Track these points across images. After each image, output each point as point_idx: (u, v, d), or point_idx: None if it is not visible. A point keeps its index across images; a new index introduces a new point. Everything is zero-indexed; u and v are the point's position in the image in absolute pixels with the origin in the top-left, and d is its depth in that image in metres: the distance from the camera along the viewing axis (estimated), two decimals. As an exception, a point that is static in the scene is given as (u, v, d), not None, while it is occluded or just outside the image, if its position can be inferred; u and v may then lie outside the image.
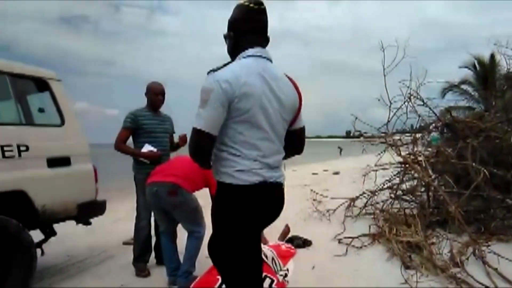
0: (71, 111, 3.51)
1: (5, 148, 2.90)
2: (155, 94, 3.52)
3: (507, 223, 4.04)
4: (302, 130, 1.81)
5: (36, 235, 3.26)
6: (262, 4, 1.63)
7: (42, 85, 3.43)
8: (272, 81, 1.57)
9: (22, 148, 3.01)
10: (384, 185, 5.44)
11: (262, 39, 1.66)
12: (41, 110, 3.43)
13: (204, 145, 1.52)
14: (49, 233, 3.49)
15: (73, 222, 3.47)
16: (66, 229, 3.73)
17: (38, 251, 3.26)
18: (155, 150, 3.40)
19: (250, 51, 1.61)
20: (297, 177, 11.87)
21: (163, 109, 3.66)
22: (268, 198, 1.61)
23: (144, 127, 3.47)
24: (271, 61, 1.64)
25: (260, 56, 1.60)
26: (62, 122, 3.43)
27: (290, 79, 1.71)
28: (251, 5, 1.61)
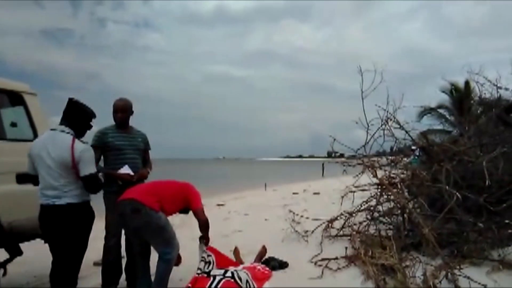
0: (45, 125, 3.43)
1: (-28, 163, 2.81)
2: (115, 111, 3.44)
3: (479, 247, 4.10)
4: None
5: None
6: None
7: (16, 98, 3.37)
8: None
9: (-10, 163, 2.92)
10: (361, 206, 5.48)
11: None
12: (13, 125, 3.35)
13: None
14: (15, 252, 3.34)
15: (41, 241, 3.34)
16: (33, 249, 3.58)
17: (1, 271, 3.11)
18: (132, 173, 3.31)
19: None
20: (277, 197, 11.87)
21: (138, 125, 3.61)
22: None
23: (110, 145, 3.38)
24: None
25: None
26: (35, 137, 3.35)
27: None
28: None
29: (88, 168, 2.64)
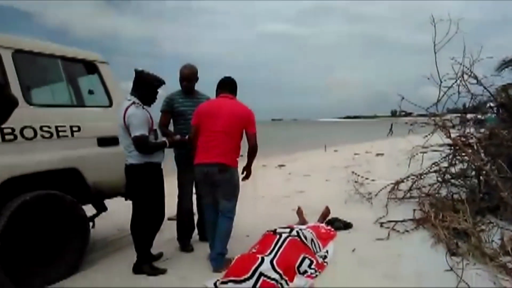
0: (119, 92, 3.65)
1: (59, 129, 3.10)
2: (181, 80, 3.58)
3: None
4: None
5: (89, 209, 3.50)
6: None
7: (90, 67, 3.59)
8: None
9: (75, 129, 3.20)
10: (431, 168, 5.21)
11: None
12: (90, 92, 3.60)
13: None
14: (100, 208, 3.72)
15: (122, 198, 3.68)
16: (115, 205, 3.95)
17: (90, 224, 3.49)
18: (178, 137, 3.41)
19: None
20: (338, 158, 11.70)
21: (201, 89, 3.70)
22: None
23: (177, 110, 3.55)
24: None
25: None
26: (110, 103, 3.59)
27: None
28: None
29: (134, 131, 2.86)
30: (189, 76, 3.56)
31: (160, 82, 3.08)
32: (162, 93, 3.21)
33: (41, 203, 2.90)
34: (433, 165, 5.23)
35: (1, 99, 1.37)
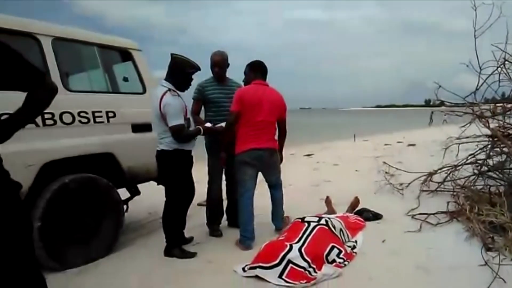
0: (152, 79, 3.72)
1: (96, 114, 3.21)
2: (212, 66, 3.59)
3: None
4: None
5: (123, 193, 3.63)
6: None
7: (125, 55, 3.68)
8: None
9: (110, 115, 3.31)
10: (467, 159, 5.01)
11: None
12: (125, 79, 3.70)
13: None
14: (134, 192, 3.85)
15: (154, 183, 3.78)
16: (148, 189, 4.08)
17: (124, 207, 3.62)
18: (209, 125, 3.41)
19: None
20: (368, 148, 11.47)
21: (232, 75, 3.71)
22: None
23: (208, 98, 3.58)
24: None
25: None
26: (144, 90, 3.67)
27: None
28: None
29: (171, 120, 2.91)
30: (220, 62, 3.57)
31: (195, 68, 3.08)
32: (194, 80, 3.23)
33: (79, 186, 3.03)
34: (470, 157, 5.03)
35: (43, 86, 1.43)
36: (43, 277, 1.47)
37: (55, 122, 2.93)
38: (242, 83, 3.57)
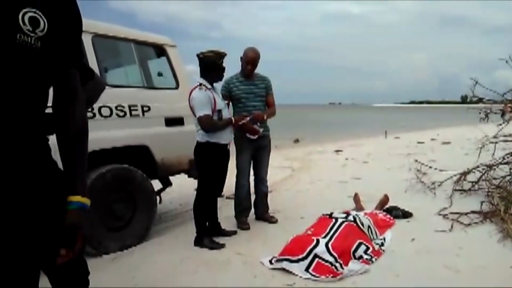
0: (185, 75, 3.83)
1: (132, 108, 3.35)
2: (246, 63, 3.60)
3: None
4: None
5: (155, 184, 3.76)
6: None
7: (160, 50, 3.80)
8: None
9: (145, 108, 3.44)
10: (503, 159, 4.82)
11: None
12: (159, 74, 3.82)
13: None
14: (166, 183, 3.99)
15: (185, 176, 3.90)
16: (179, 181, 4.21)
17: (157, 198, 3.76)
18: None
19: None
20: (400, 146, 11.21)
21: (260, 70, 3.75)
22: None
23: (234, 95, 3.63)
24: None
25: None
26: (177, 85, 3.78)
27: None
28: None
29: (197, 112, 3.10)
30: (254, 60, 3.59)
31: (221, 57, 3.21)
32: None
33: (115, 176, 3.19)
34: (507, 156, 4.84)
35: (93, 83, 1.53)
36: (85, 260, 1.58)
37: (94, 115, 3.08)
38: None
